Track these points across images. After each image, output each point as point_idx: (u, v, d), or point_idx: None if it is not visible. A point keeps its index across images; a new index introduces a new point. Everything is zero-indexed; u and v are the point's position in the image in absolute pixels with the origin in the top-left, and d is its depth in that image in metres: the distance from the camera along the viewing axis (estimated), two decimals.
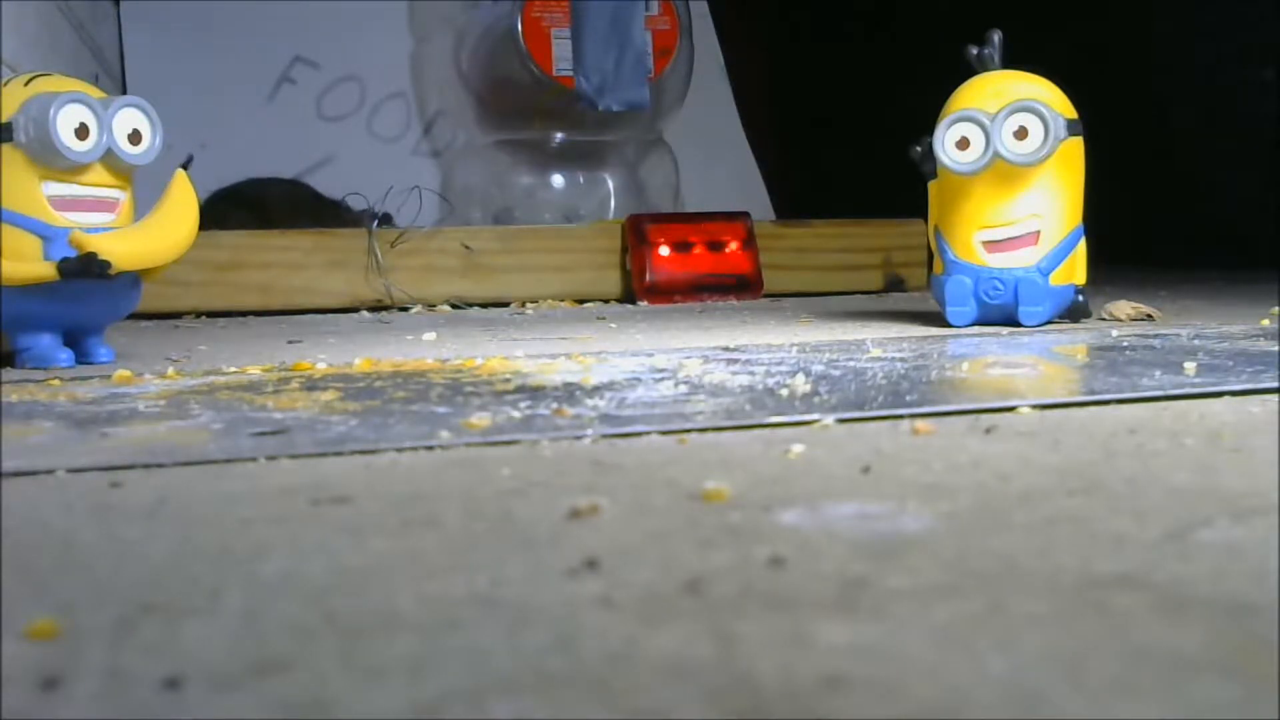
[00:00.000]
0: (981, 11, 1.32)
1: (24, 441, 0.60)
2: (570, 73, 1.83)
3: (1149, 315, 1.21)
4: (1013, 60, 1.20)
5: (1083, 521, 0.41)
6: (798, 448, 0.54)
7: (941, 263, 1.14)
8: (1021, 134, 1.13)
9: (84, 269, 0.93)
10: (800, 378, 0.75)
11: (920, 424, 0.59)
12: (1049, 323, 1.14)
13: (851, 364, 0.83)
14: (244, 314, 1.52)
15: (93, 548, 0.40)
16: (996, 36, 1.20)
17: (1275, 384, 0.69)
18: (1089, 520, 0.41)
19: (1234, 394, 0.67)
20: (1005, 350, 0.91)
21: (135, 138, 0.97)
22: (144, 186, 1.01)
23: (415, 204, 1.57)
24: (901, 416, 0.61)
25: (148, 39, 1.89)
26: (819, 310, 1.38)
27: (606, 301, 1.60)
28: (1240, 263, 1.70)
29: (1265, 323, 1.09)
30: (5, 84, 0.97)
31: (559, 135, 1.86)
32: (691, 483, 0.47)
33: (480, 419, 0.61)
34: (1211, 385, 0.69)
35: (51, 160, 0.94)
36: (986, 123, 1.13)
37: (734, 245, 1.64)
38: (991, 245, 1.13)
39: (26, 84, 0.96)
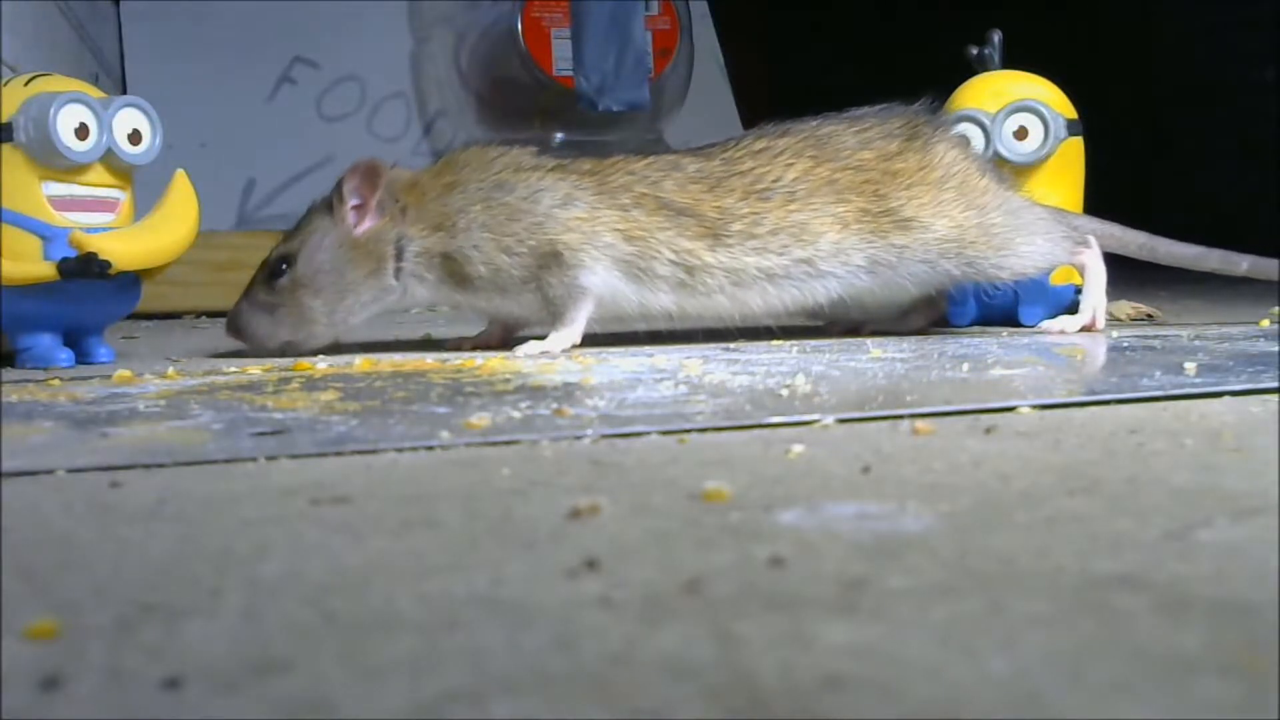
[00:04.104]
0: (981, 11, 1.32)
1: (24, 441, 0.60)
2: (570, 73, 1.83)
3: (1149, 315, 1.21)
4: (1013, 60, 1.20)
5: (1083, 521, 0.41)
6: (798, 448, 0.54)
7: None
8: (1021, 134, 1.13)
9: (84, 269, 0.93)
10: (800, 378, 0.75)
11: (920, 424, 0.59)
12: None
13: (851, 364, 0.83)
14: None
15: (93, 548, 0.40)
16: (996, 36, 1.21)
17: (1275, 384, 0.69)
18: (1089, 520, 0.41)
19: (1234, 394, 0.67)
20: (1005, 350, 0.91)
21: (135, 138, 0.97)
22: (144, 187, 1.02)
23: None
24: (901, 416, 0.61)
25: (148, 39, 1.89)
26: None
27: None
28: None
29: (1265, 323, 1.09)
30: (5, 84, 0.97)
31: (559, 135, 1.86)
32: (691, 483, 0.47)
33: (480, 419, 0.61)
34: (1211, 385, 0.69)
35: (51, 160, 0.94)
36: (986, 123, 1.13)
37: None
38: None
39: (26, 84, 0.97)
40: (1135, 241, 1.10)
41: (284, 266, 1.01)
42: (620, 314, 1.02)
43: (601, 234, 0.99)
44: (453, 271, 1.01)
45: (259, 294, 1.01)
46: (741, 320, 1.04)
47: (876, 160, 1.02)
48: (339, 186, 1.00)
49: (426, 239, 1.00)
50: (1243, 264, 1.10)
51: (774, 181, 1.01)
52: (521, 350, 0.98)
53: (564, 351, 0.98)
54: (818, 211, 1.01)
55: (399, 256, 1.01)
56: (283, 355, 1.00)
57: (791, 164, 1.02)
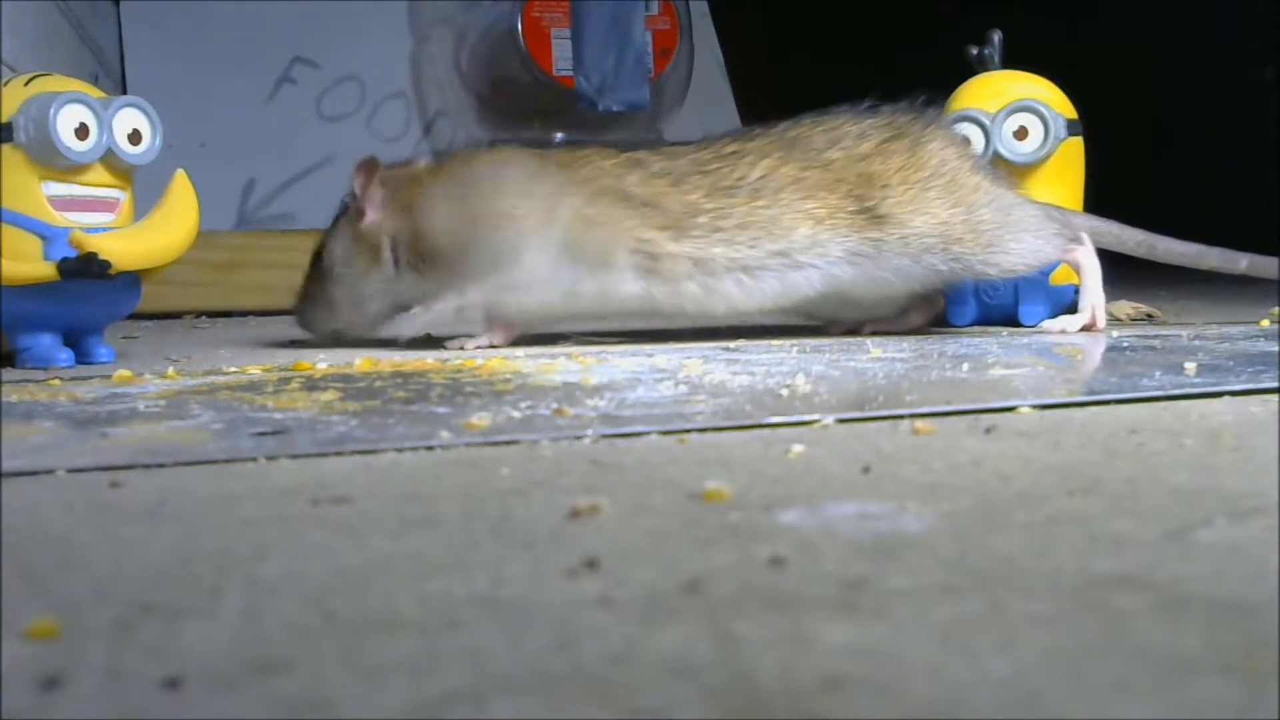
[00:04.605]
0: (981, 11, 1.32)
1: (24, 441, 0.60)
2: (570, 73, 1.83)
3: (1149, 315, 1.21)
4: (1013, 60, 1.20)
5: (1083, 521, 0.41)
6: (798, 448, 0.54)
7: None
8: (1021, 134, 1.13)
9: (84, 269, 0.93)
10: (800, 378, 0.75)
11: (920, 424, 0.59)
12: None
13: (851, 364, 0.83)
14: (244, 314, 1.52)
15: (93, 548, 0.40)
16: (996, 36, 1.21)
17: (1275, 384, 0.69)
18: (1089, 520, 0.41)
19: (1234, 394, 0.67)
20: (1005, 350, 0.91)
21: (135, 138, 0.97)
22: (144, 187, 1.02)
23: None
24: (901, 416, 0.61)
25: (148, 39, 1.89)
26: None
27: None
28: None
29: (1265, 323, 1.09)
30: (5, 84, 0.97)
31: (559, 135, 1.86)
32: (691, 483, 0.47)
33: (480, 419, 0.61)
34: (1211, 385, 0.69)
35: (51, 160, 0.94)
36: (986, 123, 1.13)
37: None
38: None
39: (26, 84, 0.97)
40: (1134, 239, 1.10)
41: (318, 259, 1.08)
42: (587, 307, 1.04)
43: (554, 229, 1.01)
44: (431, 263, 1.04)
45: (306, 285, 1.09)
46: (729, 312, 1.04)
47: (848, 160, 1.03)
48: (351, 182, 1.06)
49: (411, 232, 1.05)
50: (1241, 262, 1.10)
51: (739, 179, 1.02)
52: (455, 344, 1.02)
53: (491, 347, 1.02)
54: (787, 207, 1.01)
55: (395, 248, 1.05)
56: (336, 343, 1.08)
57: (756, 163, 1.03)
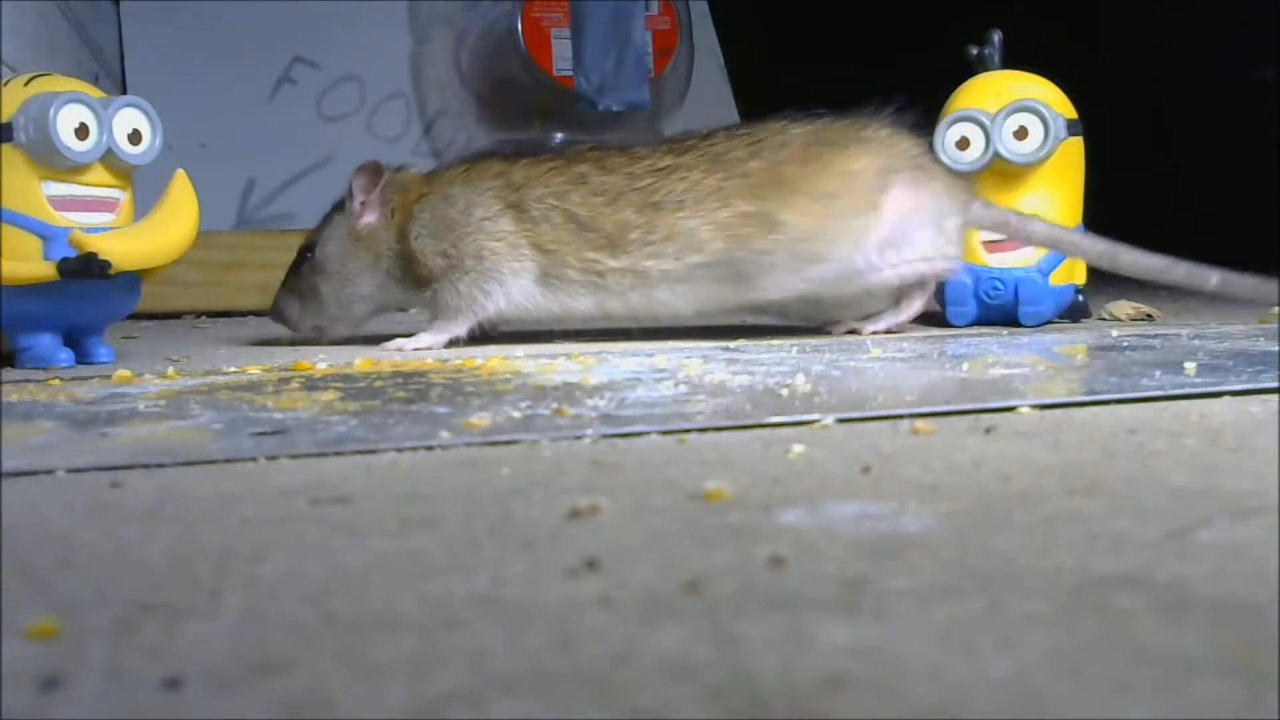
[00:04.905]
0: (981, 11, 1.32)
1: (24, 441, 0.60)
2: (570, 73, 1.83)
3: (1149, 315, 1.21)
4: (1013, 60, 1.20)
5: (1083, 521, 0.41)
6: (798, 448, 0.54)
7: None
8: (1021, 134, 1.13)
9: (84, 269, 0.93)
10: (800, 378, 0.75)
11: (920, 424, 0.59)
12: (1049, 322, 1.14)
13: (851, 364, 0.83)
14: (244, 314, 1.52)
15: (93, 548, 0.40)
16: (996, 36, 1.21)
17: (1275, 384, 0.69)
18: (1089, 520, 0.41)
19: (1234, 394, 0.67)
20: (1005, 350, 0.91)
21: (135, 138, 0.97)
22: (144, 187, 1.02)
23: None
24: (901, 416, 0.61)
25: (148, 39, 1.89)
26: None
27: None
28: (1240, 263, 1.70)
29: (1265, 323, 1.09)
30: (5, 84, 0.97)
31: (559, 135, 1.86)
32: (692, 483, 0.47)
33: (480, 419, 0.61)
34: (1211, 385, 0.69)
35: (52, 160, 0.94)
36: (986, 123, 1.13)
37: None
38: (992, 245, 1.13)
39: (26, 84, 0.97)
40: (1095, 249, 1.07)
41: (308, 255, 1.10)
42: (545, 318, 1.08)
43: (521, 248, 1.06)
44: (410, 272, 1.08)
45: (290, 280, 1.12)
46: (674, 317, 1.08)
47: (768, 167, 1.03)
48: (350, 183, 1.09)
49: (397, 240, 1.08)
50: (1212, 279, 1.03)
51: (666, 194, 1.04)
52: (393, 345, 1.04)
53: (429, 349, 1.04)
54: (705, 218, 1.03)
55: (388, 253, 1.09)
56: (317, 340, 1.10)
57: (685, 176, 1.05)
